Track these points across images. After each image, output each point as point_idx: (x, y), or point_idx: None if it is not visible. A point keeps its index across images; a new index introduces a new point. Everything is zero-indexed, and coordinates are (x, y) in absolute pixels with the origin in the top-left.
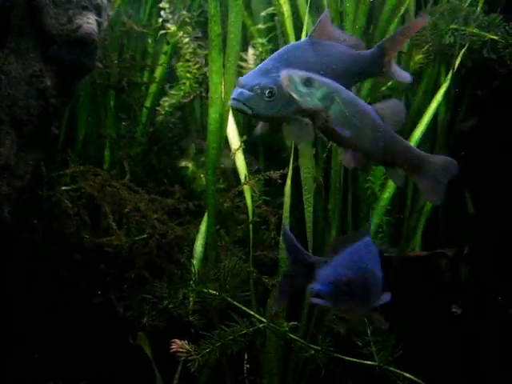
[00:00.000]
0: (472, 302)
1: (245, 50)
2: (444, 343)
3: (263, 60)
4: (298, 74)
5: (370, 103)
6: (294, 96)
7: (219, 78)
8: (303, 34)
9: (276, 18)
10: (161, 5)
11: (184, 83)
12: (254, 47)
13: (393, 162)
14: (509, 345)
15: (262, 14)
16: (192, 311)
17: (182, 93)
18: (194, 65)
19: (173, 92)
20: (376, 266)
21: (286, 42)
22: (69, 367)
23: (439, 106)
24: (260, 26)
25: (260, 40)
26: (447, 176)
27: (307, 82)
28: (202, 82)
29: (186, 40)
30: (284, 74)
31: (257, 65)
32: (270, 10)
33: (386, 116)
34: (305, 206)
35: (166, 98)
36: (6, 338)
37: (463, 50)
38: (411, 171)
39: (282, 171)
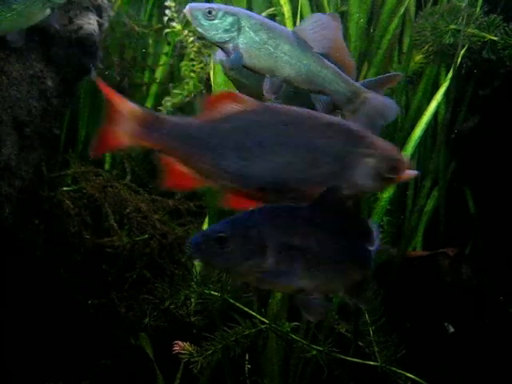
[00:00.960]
0: (474, 302)
1: None
2: (446, 343)
3: None
4: (199, 7)
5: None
6: (200, 31)
7: (223, 77)
8: None
9: (277, 18)
10: (166, 3)
11: (187, 82)
12: None
13: (323, 92)
14: (510, 344)
15: (263, 14)
16: (194, 312)
17: (185, 92)
18: (199, 64)
19: (176, 91)
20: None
21: None
22: (70, 367)
23: (439, 105)
24: None
25: None
26: (383, 118)
27: (209, 15)
28: (205, 82)
29: (191, 39)
30: (187, 7)
31: None
32: (270, 10)
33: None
34: None
35: (168, 98)
36: (6, 338)
37: (463, 51)
38: (343, 105)
39: None
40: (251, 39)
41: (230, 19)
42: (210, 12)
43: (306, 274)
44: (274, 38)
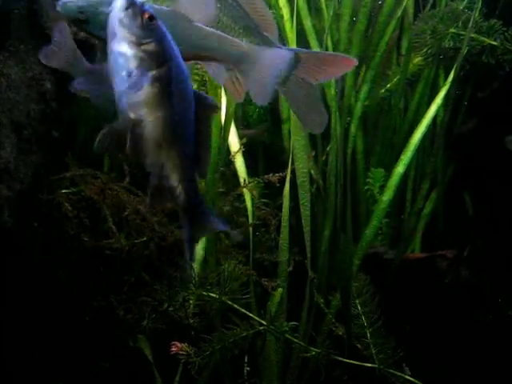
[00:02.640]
0: (472, 304)
1: None
2: (444, 345)
3: None
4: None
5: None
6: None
7: None
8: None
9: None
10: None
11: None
12: None
13: (213, 58)
14: (509, 346)
15: None
16: (192, 314)
17: None
18: (202, 67)
19: None
20: None
21: (284, 45)
22: (68, 370)
23: (439, 108)
24: None
25: None
26: (277, 71)
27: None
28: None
29: None
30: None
31: None
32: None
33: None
34: (301, 211)
35: None
36: (5, 339)
37: (463, 54)
38: (234, 66)
39: (280, 174)
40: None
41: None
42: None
43: None
44: None
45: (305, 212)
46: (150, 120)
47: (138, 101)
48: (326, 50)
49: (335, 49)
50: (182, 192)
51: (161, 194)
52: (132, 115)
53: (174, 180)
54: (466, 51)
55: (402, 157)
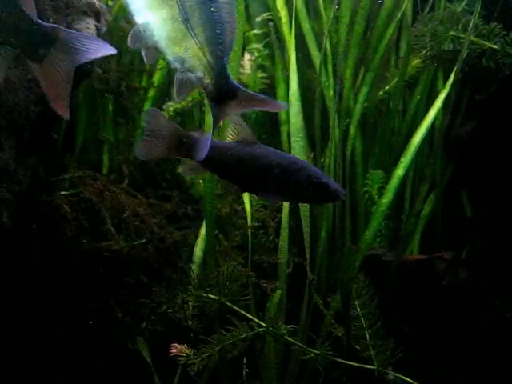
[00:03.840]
0: (470, 306)
1: (241, 54)
2: (443, 346)
3: (259, 65)
4: None
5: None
6: None
7: None
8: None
9: (270, 23)
10: None
11: None
12: (250, 52)
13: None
14: (507, 348)
15: (258, 19)
16: (191, 315)
17: (189, 98)
18: None
19: None
20: None
21: (282, 47)
22: (67, 371)
23: (438, 111)
24: (256, 31)
25: (256, 45)
26: (84, 56)
27: None
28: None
29: None
30: None
31: (253, 70)
32: (266, 15)
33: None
34: (301, 211)
35: (170, 103)
36: (5, 341)
37: (463, 57)
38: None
39: None
40: None
41: None
42: None
43: None
44: None
45: (304, 213)
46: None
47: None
48: (325, 52)
49: (334, 51)
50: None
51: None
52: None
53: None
54: (465, 53)
55: (402, 159)
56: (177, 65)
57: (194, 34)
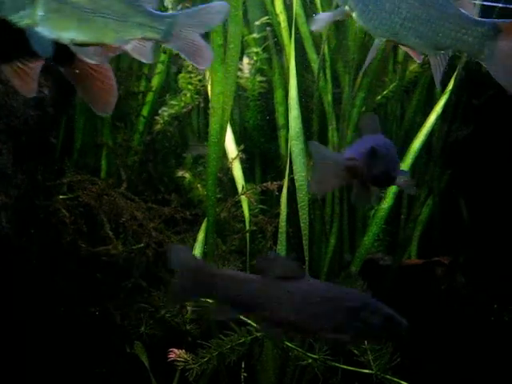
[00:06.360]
0: (468, 310)
1: (240, 58)
2: (441, 350)
3: (258, 69)
4: None
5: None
6: None
7: (221, 88)
8: None
9: (268, 28)
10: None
11: (185, 94)
12: (249, 56)
13: None
14: (505, 351)
15: (257, 23)
16: (189, 320)
17: (182, 103)
18: (196, 76)
19: (173, 102)
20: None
21: (281, 51)
22: (64, 376)
23: (438, 117)
24: (255, 35)
25: (255, 49)
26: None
27: None
28: (201, 92)
29: None
30: None
31: (252, 74)
32: (264, 19)
33: None
34: (300, 214)
35: (165, 108)
36: (3, 345)
37: (463, 61)
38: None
39: (279, 182)
40: None
41: None
42: None
43: None
44: None
45: (303, 216)
46: None
47: None
48: (324, 56)
49: (332, 56)
50: None
51: None
52: None
53: None
54: (464, 59)
55: (402, 164)
56: None
57: None
